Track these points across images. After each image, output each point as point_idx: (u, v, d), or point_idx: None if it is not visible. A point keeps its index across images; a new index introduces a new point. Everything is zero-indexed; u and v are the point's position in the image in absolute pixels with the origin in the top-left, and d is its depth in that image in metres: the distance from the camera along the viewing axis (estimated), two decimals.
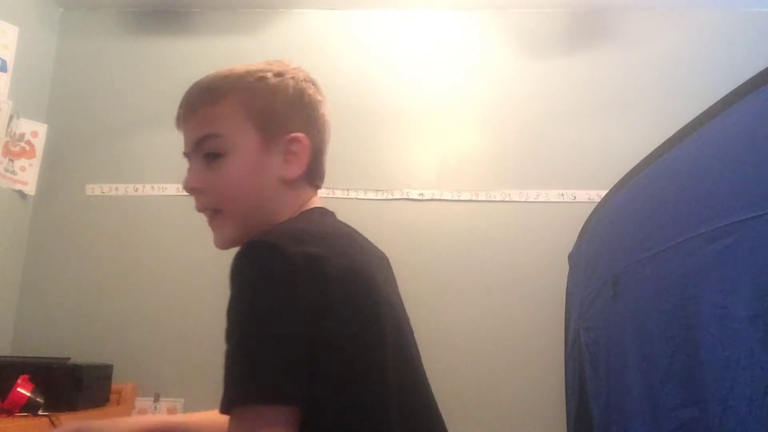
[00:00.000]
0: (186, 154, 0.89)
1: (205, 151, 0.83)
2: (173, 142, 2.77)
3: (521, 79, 2.39)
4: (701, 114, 1.03)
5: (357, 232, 0.87)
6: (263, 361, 0.64)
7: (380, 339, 0.73)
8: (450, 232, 2.25)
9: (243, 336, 0.66)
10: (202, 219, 2.49)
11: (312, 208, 0.86)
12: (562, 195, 2.28)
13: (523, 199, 2.28)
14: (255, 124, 0.82)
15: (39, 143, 2.28)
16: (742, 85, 0.90)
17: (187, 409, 2.11)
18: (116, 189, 2.34)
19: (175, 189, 2.33)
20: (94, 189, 2.35)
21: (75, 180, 2.36)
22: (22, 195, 2.26)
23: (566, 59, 2.41)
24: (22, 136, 2.23)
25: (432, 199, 2.29)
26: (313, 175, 0.87)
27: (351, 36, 2.46)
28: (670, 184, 1.13)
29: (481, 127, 2.36)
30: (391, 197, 2.28)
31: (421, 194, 2.29)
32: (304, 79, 0.89)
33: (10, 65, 2.11)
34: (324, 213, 0.87)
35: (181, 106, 0.88)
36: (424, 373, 0.82)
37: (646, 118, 2.29)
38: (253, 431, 0.62)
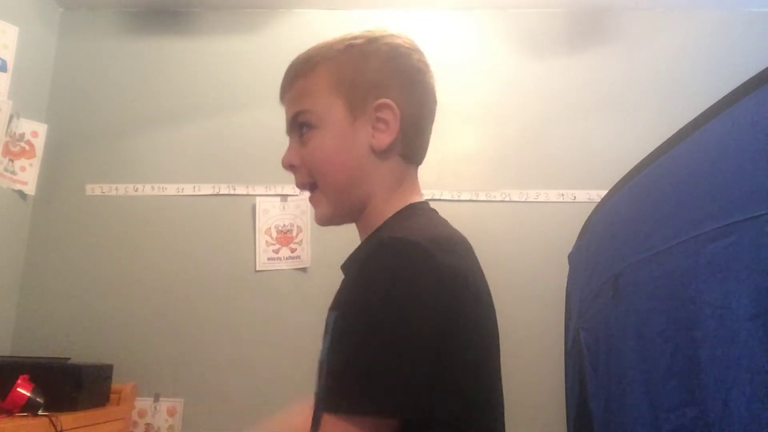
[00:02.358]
0: (287, 132, 0.85)
1: (299, 128, 0.80)
2: (173, 142, 2.78)
3: (521, 79, 2.40)
4: (701, 114, 1.03)
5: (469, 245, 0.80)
6: (386, 371, 0.59)
7: (489, 363, 0.72)
8: None
9: (372, 337, 0.61)
10: (201, 219, 2.49)
11: (423, 204, 0.82)
12: (562, 195, 2.28)
13: (523, 199, 2.28)
14: (342, 94, 0.78)
15: (39, 143, 2.28)
16: (742, 85, 0.90)
17: (186, 409, 2.12)
18: (116, 189, 2.34)
19: (175, 189, 2.33)
20: (94, 189, 2.35)
21: (75, 180, 2.36)
22: (22, 195, 2.26)
23: (566, 59, 2.41)
24: (22, 136, 2.23)
25: (432, 199, 2.27)
26: (410, 149, 0.82)
27: None
28: (670, 184, 1.13)
29: (481, 127, 2.36)
30: None
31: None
32: (404, 45, 0.82)
33: (10, 65, 2.11)
34: (436, 213, 0.82)
35: (283, 80, 0.84)
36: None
37: (646, 118, 2.29)
38: None
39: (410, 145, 0.82)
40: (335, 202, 0.80)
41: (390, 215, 0.78)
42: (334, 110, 0.78)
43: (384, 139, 0.78)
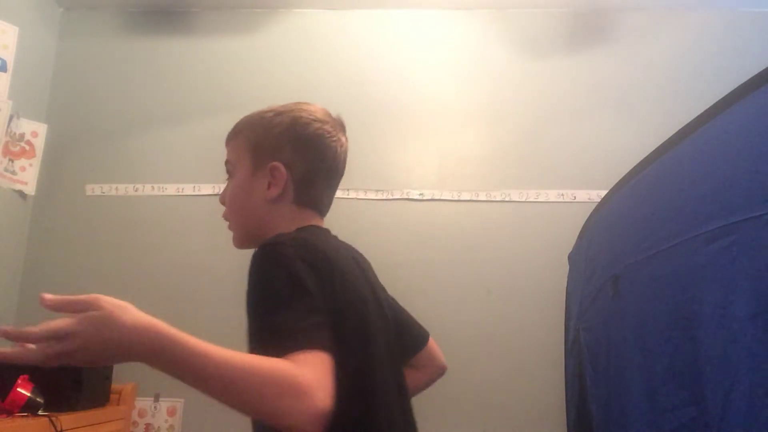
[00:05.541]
0: None
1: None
2: (173, 142, 2.78)
3: (521, 79, 2.40)
4: (701, 114, 1.03)
5: (345, 246, 1.02)
6: (295, 319, 0.75)
7: (363, 323, 0.88)
8: (450, 232, 2.25)
9: (270, 305, 0.78)
10: (201, 219, 2.50)
11: (308, 225, 0.99)
12: (562, 195, 2.28)
13: (523, 199, 2.28)
14: (249, 153, 1.00)
15: (39, 143, 2.28)
16: (742, 85, 0.90)
17: (186, 409, 2.12)
18: (116, 189, 2.34)
19: (175, 189, 2.33)
20: (94, 189, 2.35)
21: (75, 180, 2.36)
22: (22, 195, 2.26)
23: (566, 59, 2.41)
24: (22, 136, 2.23)
25: (432, 199, 2.28)
26: (302, 197, 1.00)
27: (351, 36, 2.46)
28: (670, 184, 1.13)
29: (481, 127, 2.36)
30: (391, 197, 2.28)
31: (421, 194, 2.29)
32: (306, 117, 1.01)
33: (10, 65, 2.12)
34: (316, 229, 0.99)
35: None
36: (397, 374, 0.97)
37: (646, 118, 2.29)
38: (315, 369, 0.70)
39: (302, 194, 1.00)
40: (237, 233, 1.03)
41: None
42: (243, 166, 1.01)
43: (272, 192, 0.98)
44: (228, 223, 1.04)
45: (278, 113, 1.01)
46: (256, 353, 0.73)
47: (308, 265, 0.81)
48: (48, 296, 0.73)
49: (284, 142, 0.99)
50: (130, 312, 0.70)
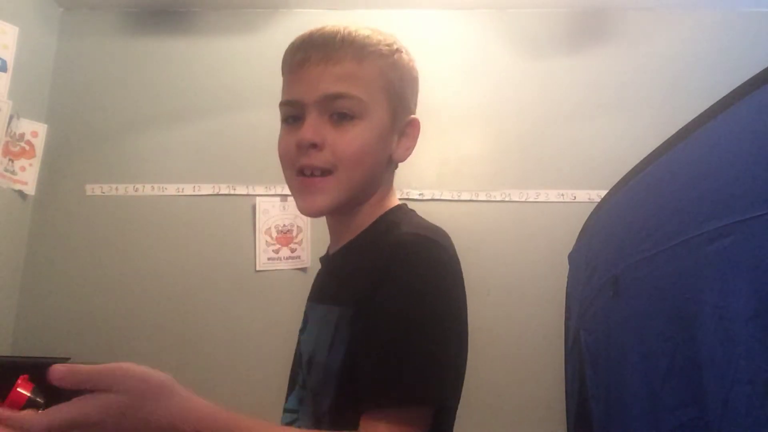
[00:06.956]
0: (291, 102, 0.78)
1: (337, 110, 0.75)
2: (173, 142, 2.77)
3: (521, 79, 2.40)
4: (701, 114, 1.02)
5: None
6: (436, 362, 0.65)
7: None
8: (450, 232, 2.25)
9: (416, 333, 0.66)
10: (201, 219, 2.48)
11: (404, 206, 0.86)
12: (562, 195, 2.28)
13: (523, 199, 2.28)
14: (387, 97, 0.78)
15: (39, 143, 2.28)
16: (742, 85, 0.90)
17: None
18: (116, 189, 2.34)
19: (175, 189, 2.33)
20: (94, 189, 2.35)
21: (75, 180, 2.36)
22: (22, 195, 2.26)
23: (566, 59, 2.41)
24: (22, 136, 2.23)
25: (432, 199, 2.29)
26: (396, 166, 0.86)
27: None
28: (671, 184, 1.13)
29: (481, 127, 2.37)
30: None
31: (421, 194, 2.29)
32: (413, 59, 0.84)
33: (10, 65, 2.11)
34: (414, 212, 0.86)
35: (312, 49, 0.77)
36: None
37: (646, 118, 2.30)
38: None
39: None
40: (347, 193, 0.77)
41: (379, 215, 0.81)
42: (380, 110, 0.77)
43: (405, 153, 0.82)
44: (318, 177, 0.76)
45: (405, 50, 0.81)
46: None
47: (457, 277, 0.72)
48: (58, 368, 0.53)
49: (415, 93, 0.83)
50: (165, 399, 0.60)
